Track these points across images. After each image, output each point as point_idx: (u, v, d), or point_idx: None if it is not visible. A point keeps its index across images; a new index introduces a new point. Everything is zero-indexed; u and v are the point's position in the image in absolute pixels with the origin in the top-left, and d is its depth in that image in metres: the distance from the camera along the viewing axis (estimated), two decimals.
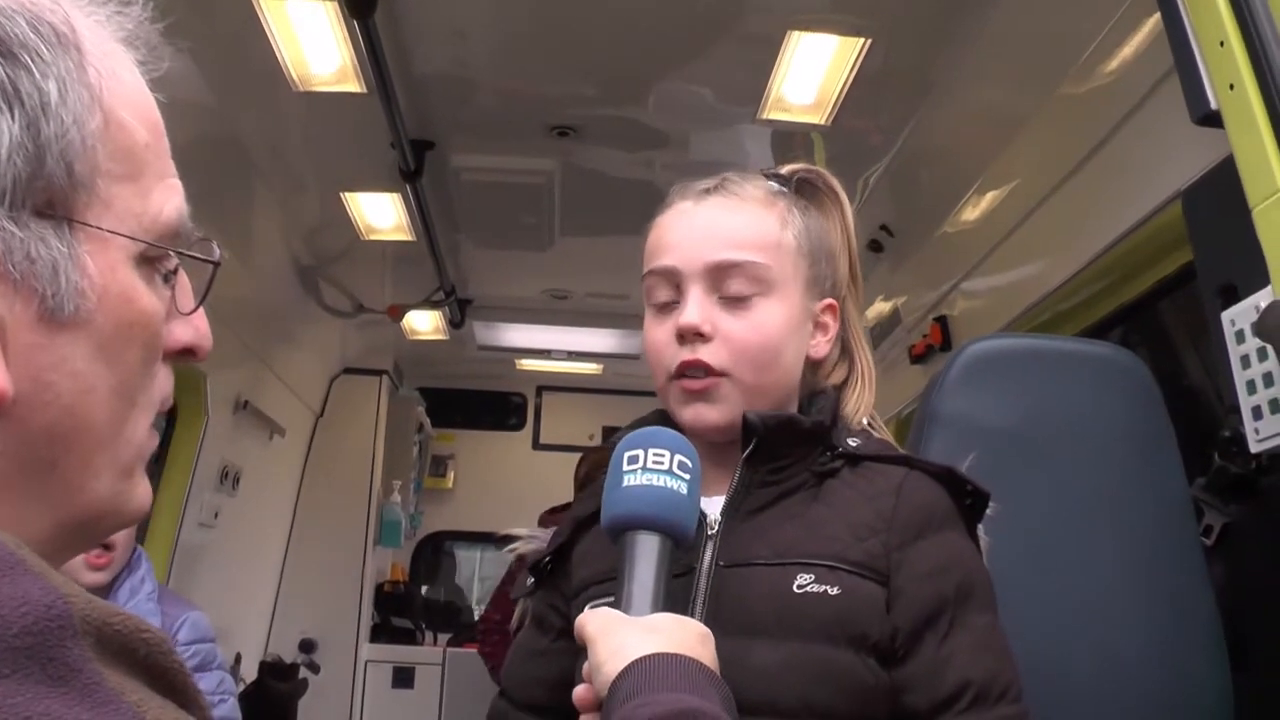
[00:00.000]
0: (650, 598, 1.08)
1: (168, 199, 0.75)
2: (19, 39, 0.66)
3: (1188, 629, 1.66)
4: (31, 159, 0.66)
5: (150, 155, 0.74)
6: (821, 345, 1.42)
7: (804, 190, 1.47)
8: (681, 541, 1.15)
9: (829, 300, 1.42)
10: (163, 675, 0.57)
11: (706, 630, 1.08)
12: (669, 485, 1.13)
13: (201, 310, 0.80)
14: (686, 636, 1.04)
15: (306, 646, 5.45)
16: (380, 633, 5.99)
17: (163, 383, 0.77)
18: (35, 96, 0.66)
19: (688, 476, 1.14)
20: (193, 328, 0.80)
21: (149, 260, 0.73)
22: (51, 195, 0.67)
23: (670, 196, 1.44)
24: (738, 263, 1.33)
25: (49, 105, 0.67)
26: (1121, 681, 1.60)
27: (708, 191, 1.40)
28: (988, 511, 1.34)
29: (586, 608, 1.37)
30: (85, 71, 0.69)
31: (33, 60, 0.67)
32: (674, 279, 1.36)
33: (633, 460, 1.14)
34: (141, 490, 0.77)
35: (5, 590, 0.52)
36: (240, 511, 4.64)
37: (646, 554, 1.10)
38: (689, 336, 1.33)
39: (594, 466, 4.11)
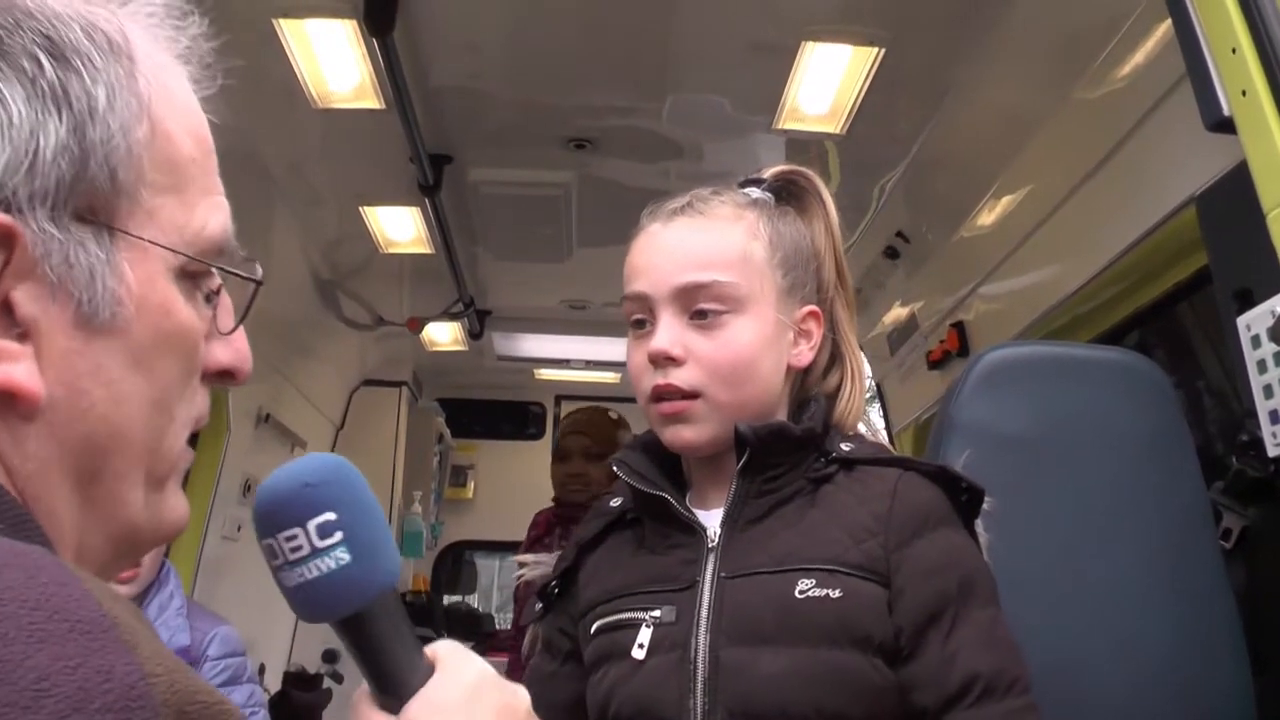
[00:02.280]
0: (400, 672, 0.86)
1: (212, 215, 0.75)
2: (72, 44, 0.68)
3: (1208, 632, 1.67)
4: (76, 162, 0.67)
5: (196, 170, 0.75)
6: (805, 354, 1.42)
7: (786, 193, 1.48)
8: (380, 599, 0.87)
9: (810, 307, 1.43)
10: None
11: (481, 683, 0.85)
12: (322, 570, 0.83)
13: (242, 333, 0.81)
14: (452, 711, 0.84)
15: (330, 657, 5.47)
16: None
17: (200, 401, 0.78)
18: (84, 100, 0.67)
19: (337, 537, 0.83)
20: (233, 349, 0.80)
21: (190, 276, 0.74)
22: (94, 200, 0.68)
23: (642, 218, 1.46)
24: (703, 283, 1.35)
25: (96, 110, 0.68)
26: (1142, 684, 1.61)
27: (675, 212, 1.41)
28: (984, 507, 1.36)
29: (595, 627, 1.39)
30: (135, 81, 0.70)
31: (84, 65, 0.68)
32: (646, 303, 1.39)
33: (272, 555, 0.85)
34: (174, 503, 0.77)
35: (93, 659, 0.51)
36: None
37: (360, 638, 0.87)
38: (660, 361, 1.35)
39: (564, 433, 3.93)
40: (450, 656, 0.86)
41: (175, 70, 0.76)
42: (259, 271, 0.81)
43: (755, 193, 1.45)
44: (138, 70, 0.71)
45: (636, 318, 1.40)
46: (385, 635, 0.86)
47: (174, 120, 0.73)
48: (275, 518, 0.84)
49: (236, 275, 0.78)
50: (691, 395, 1.34)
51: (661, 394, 1.35)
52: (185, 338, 0.73)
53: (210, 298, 0.77)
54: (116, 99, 0.69)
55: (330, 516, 0.83)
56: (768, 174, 1.48)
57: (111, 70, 0.69)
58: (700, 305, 1.35)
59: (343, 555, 0.83)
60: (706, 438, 1.36)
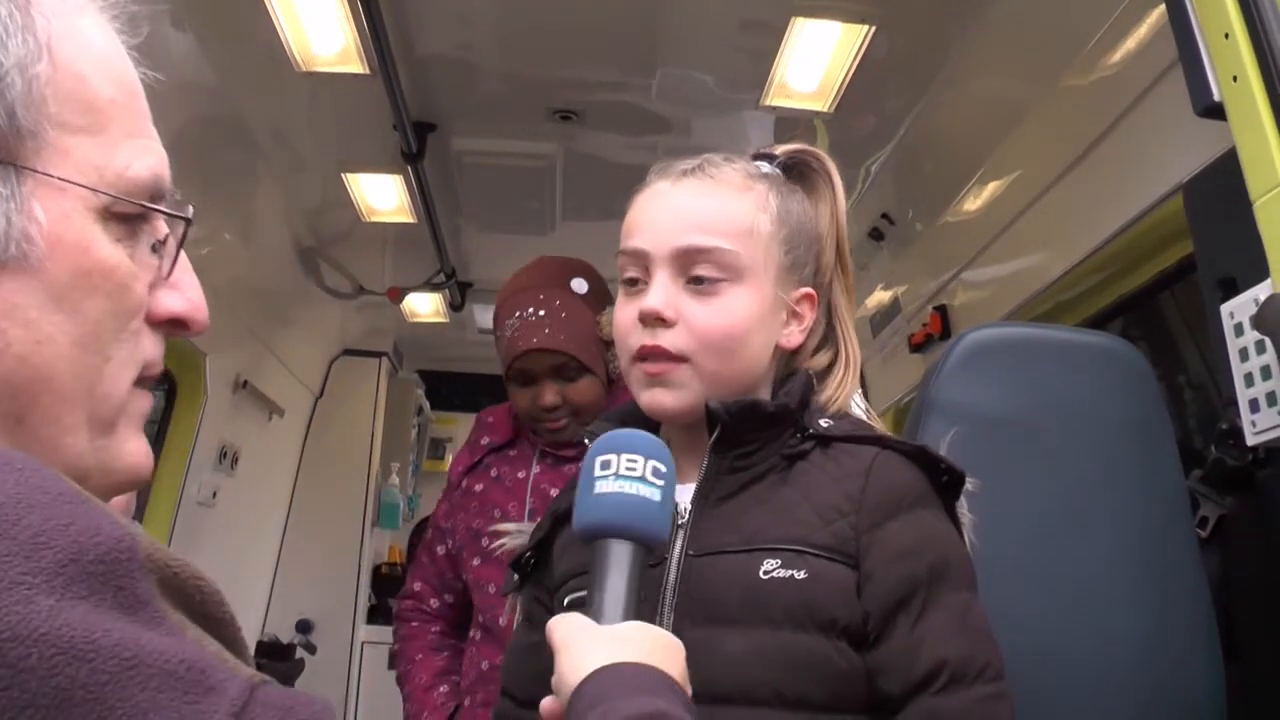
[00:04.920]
0: (621, 607, 1.06)
1: (137, 157, 0.75)
2: None
3: (1181, 618, 1.67)
4: None
5: (117, 111, 0.75)
6: (795, 335, 1.40)
7: (796, 172, 1.46)
8: (654, 549, 1.12)
9: (806, 290, 1.41)
10: (214, 623, 0.60)
11: (677, 641, 1.05)
12: (641, 493, 1.09)
13: (194, 282, 0.80)
14: (654, 647, 1.02)
15: (303, 627, 5.46)
16: (377, 614, 5.99)
17: (148, 347, 0.77)
18: None
19: (661, 483, 1.10)
20: (184, 298, 0.79)
21: (121, 218, 0.73)
22: None
23: (650, 175, 1.43)
24: (705, 248, 1.32)
25: None
26: (1114, 670, 1.61)
27: (685, 173, 1.38)
28: (967, 488, 1.34)
29: (568, 600, 1.38)
30: (32, 19, 0.70)
31: None
32: (643, 260, 1.36)
33: (605, 465, 1.11)
34: (131, 448, 0.77)
35: (81, 520, 0.55)
36: (239, 491, 4.65)
37: (618, 562, 1.07)
38: (650, 321, 1.32)
39: (520, 350, 2.40)
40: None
41: (91, 17, 0.76)
42: (189, 211, 0.80)
43: (766, 167, 1.43)
44: (34, 10, 0.71)
45: (630, 275, 1.37)
46: (629, 570, 1.06)
47: (87, 63, 0.73)
48: (628, 442, 1.11)
49: (158, 211, 0.77)
50: (678, 359, 1.32)
51: (647, 354, 1.33)
52: (109, 276, 0.72)
53: (157, 247, 0.77)
54: (10, 38, 0.69)
55: (663, 468, 1.11)
56: (779, 150, 1.46)
57: (2, 11, 0.69)
58: (699, 270, 1.33)
59: (656, 495, 1.09)
60: (686, 405, 1.33)
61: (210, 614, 0.60)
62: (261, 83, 3.31)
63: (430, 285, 5.03)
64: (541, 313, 2.42)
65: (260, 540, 5.40)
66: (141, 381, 0.77)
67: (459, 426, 6.83)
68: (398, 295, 5.08)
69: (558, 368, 2.39)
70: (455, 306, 5.41)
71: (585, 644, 1.01)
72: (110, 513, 0.57)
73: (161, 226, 0.77)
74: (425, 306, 5.66)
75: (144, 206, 0.75)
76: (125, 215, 0.74)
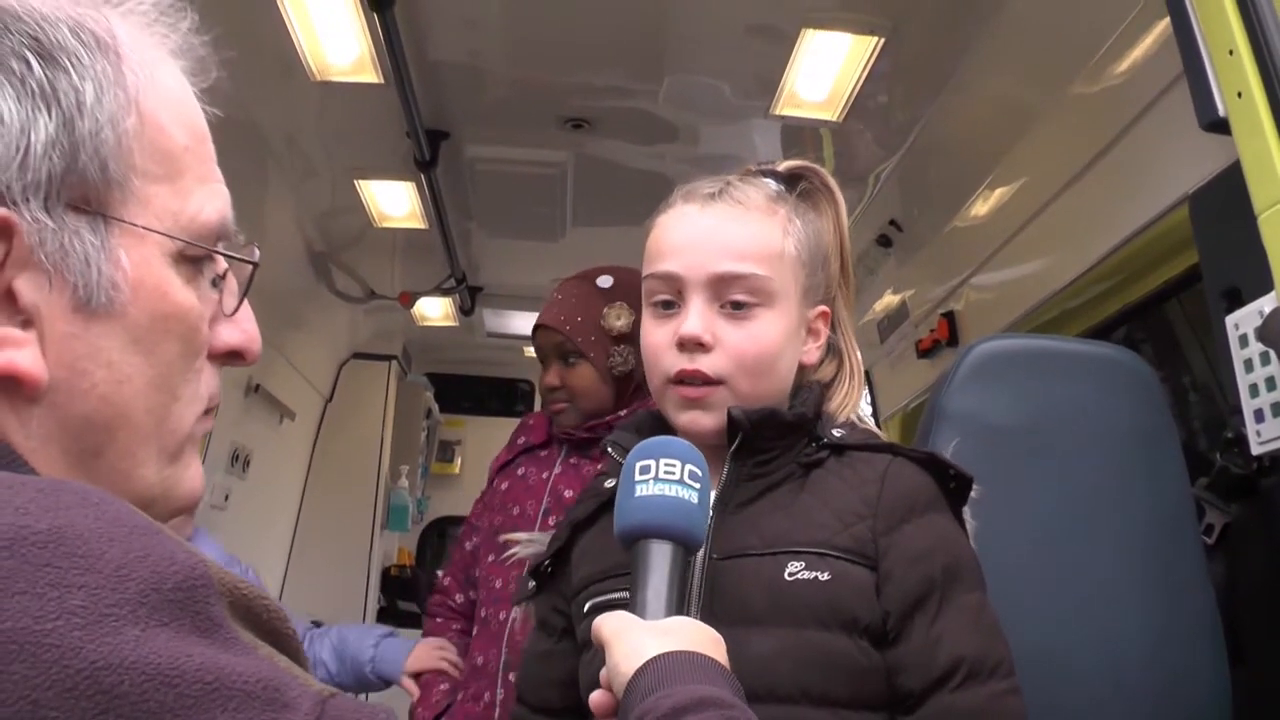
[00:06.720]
0: (664, 603, 1.10)
1: (208, 202, 0.78)
2: (59, 43, 0.70)
3: (1187, 624, 1.69)
4: (66, 155, 0.70)
5: (190, 159, 0.78)
6: (813, 352, 1.45)
7: (800, 189, 1.49)
8: (693, 548, 1.17)
9: (822, 308, 1.46)
10: (280, 639, 0.63)
11: (717, 634, 1.09)
12: (680, 495, 1.14)
13: (250, 315, 0.84)
14: (700, 638, 1.06)
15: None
16: (386, 616, 6.01)
17: (209, 381, 0.81)
18: (71, 96, 0.70)
19: (698, 486, 1.16)
20: (240, 330, 0.83)
21: (190, 260, 0.77)
22: (86, 190, 0.71)
23: (673, 197, 1.45)
24: (741, 275, 1.36)
25: (84, 104, 0.70)
26: (1121, 674, 1.63)
27: (712, 197, 1.41)
28: (972, 494, 1.38)
29: (589, 606, 1.41)
30: (123, 75, 0.73)
31: (72, 63, 0.71)
32: (676, 284, 1.39)
33: (644, 470, 1.16)
34: (191, 474, 0.81)
35: (156, 551, 0.58)
36: (250, 494, 4.67)
37: (659, 562, 1.12)
38: (689, 346, 1.36)
39: (535, 327, 2.64)
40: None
41: (167, 64, 0.79)
42: (256, 254, 0.84)
43: (773, 185, 1.45)
44: (125, 65, 0.73)
45: (663, 298, 1.40)
46: (670, 569, 1.11)
47: (165, 112, 0.76)
48: (665, 448, 1.18)
49: (230, 256, 0.81)
50: (716, 382, 1.36)
51: (686, 378, 1.37)
52: (183, 319, 0.76)
53: (216, 282, 0.81)
54: (104, 93, 0.72)
55: (698, 471, 1.17)
56: (781, 167, 1.49)
57: (99, 66, 0.72)
58: (734, 296, 1.37)
59: (693, 496, 1.15)
60: (723, 425, 1.37)
61: (276, 630, 0.63)
62: (276, 91, 3.34)
63: (440, 290, 5.06)
64: (558, 297, 2.58)
65: (271, 543, 5.42)
66: (204, 415, 0.81)
67: (468, 429, 6.84)
68: (409, 300, 5.11)
69: (558, 346, 2.51)
70: (465, 311, 5.43)
71: (635, 636, 1.05)
72: (180, 541, 0.61)
73: (221, 262, 0.81)
74: (435, 310, 5.67)
75: (214, 251, 0.79)
76: (193, 257, 0.77)
